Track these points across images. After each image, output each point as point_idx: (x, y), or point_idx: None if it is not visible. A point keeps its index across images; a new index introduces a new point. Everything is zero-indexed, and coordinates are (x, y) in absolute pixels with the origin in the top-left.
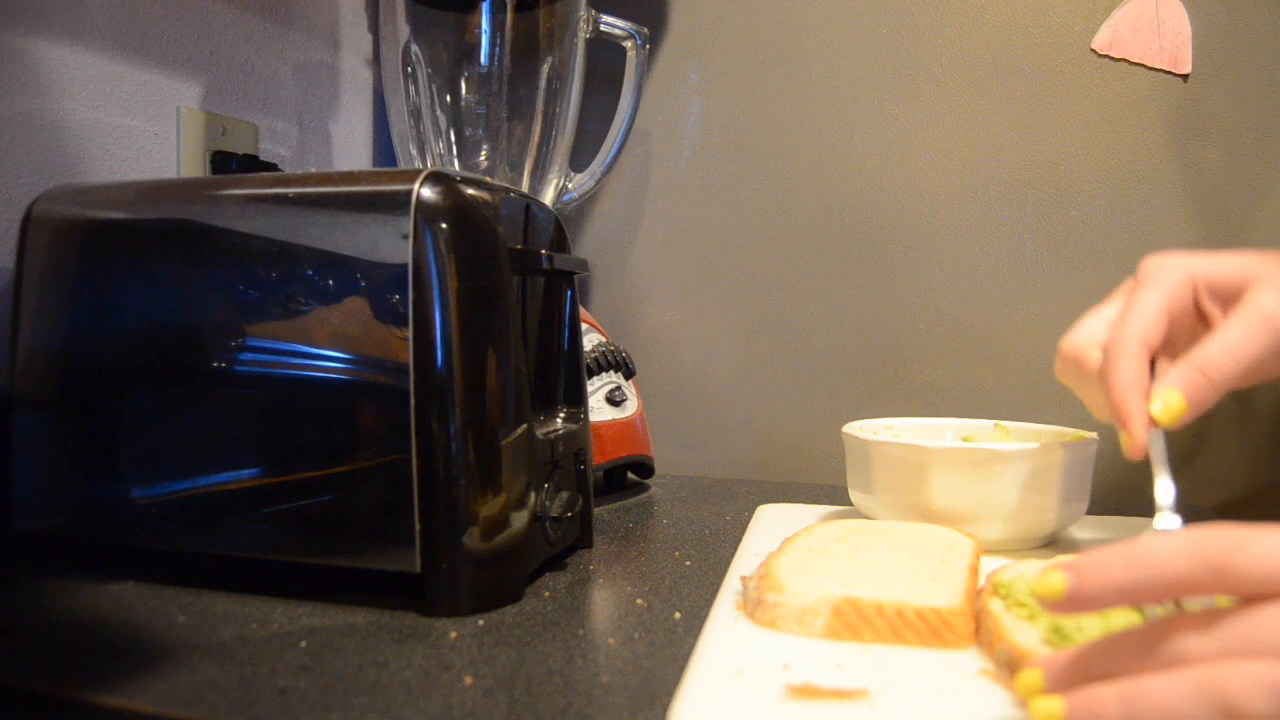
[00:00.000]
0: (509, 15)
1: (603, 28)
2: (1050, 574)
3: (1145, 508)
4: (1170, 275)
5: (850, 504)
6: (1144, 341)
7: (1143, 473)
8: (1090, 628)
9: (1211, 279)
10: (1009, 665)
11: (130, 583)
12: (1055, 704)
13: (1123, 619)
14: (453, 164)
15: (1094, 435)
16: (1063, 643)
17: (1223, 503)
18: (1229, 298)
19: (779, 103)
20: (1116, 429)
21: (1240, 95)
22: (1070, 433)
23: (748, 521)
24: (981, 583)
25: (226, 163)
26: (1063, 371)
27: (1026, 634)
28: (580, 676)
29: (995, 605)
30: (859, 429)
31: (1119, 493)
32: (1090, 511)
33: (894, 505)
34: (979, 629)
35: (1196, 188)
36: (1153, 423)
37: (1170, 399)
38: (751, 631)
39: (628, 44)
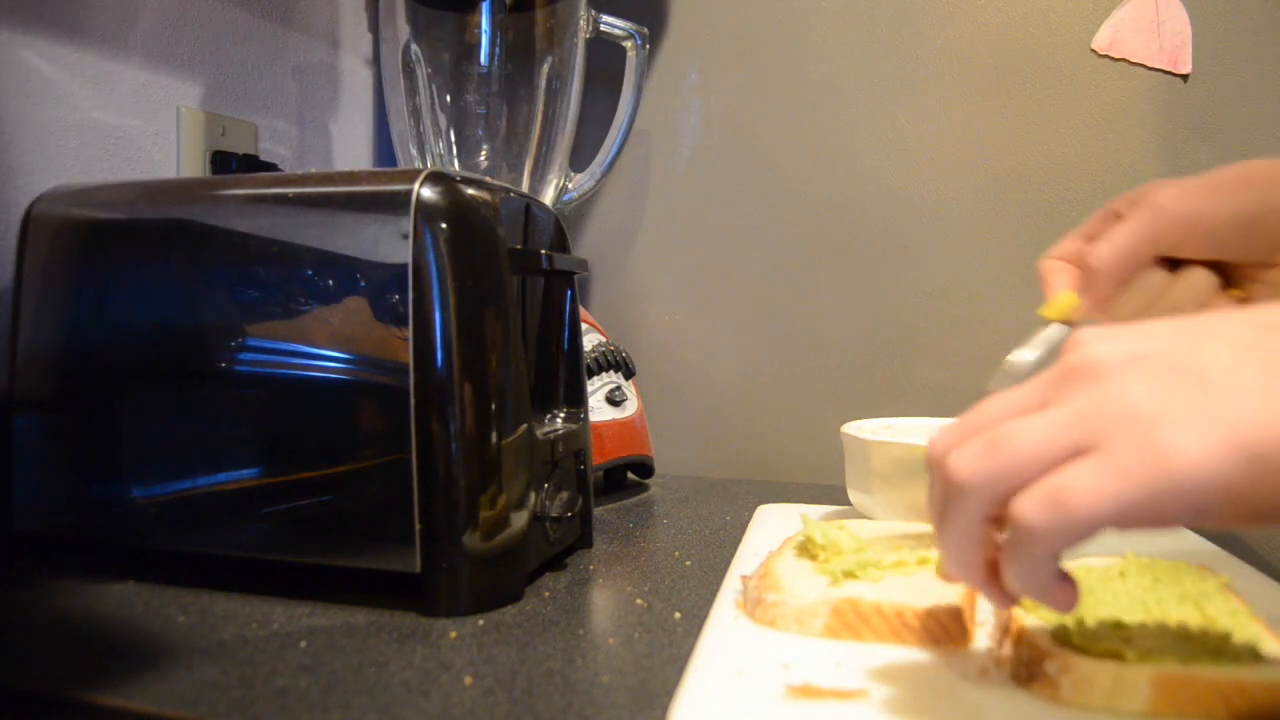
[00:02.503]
0: (509, 15)
1: (603, 28)
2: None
3: None
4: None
5: (850, 504)
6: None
7: None
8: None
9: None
10: (1028, 663)
11: (130, 583)
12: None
13: (1135, 611)
14: (453, 164)
15: None
16: (1078, 638)
17: None
18: None
19: (779, 102)
20: None
21: (1240, 95)
22: None
23: (748, 521)
24: None
25: (226, 163)
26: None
27: (1045, 637)
28: (580, 676)
29: (1017, 610)
30: (858, 429)
31: None
32: None
33: (893, 505)
34: (996, 629)
35: None
36: (1050, 320)
37: (1057, 299)
38: (751, 631)
39: (628, 44)
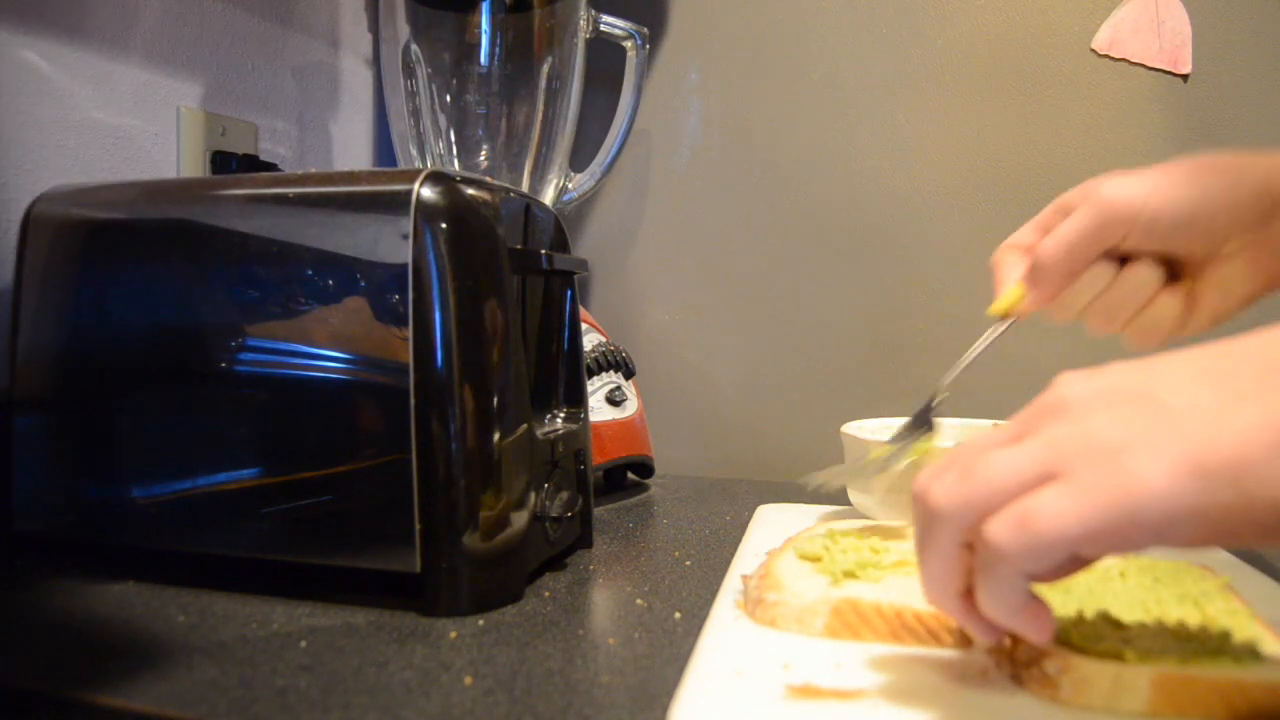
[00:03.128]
0: (509, 15)
1: (603, 28)
2: None
3: None
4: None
5: (850, 504)
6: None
7: None
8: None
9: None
10: (1028, 664)
11: (130, 583)
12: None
13: (1132, 612)
14: (453, 164)
15: None
16: (1077, 638)
17: None
18: None
19: (779, 103)
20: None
21: (1240, 95)
22: None
23: (748, 521)
24: None
25: (226, 163)
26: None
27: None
28: (580, 676)
29: None
30: (858, 429)
31: None
32: None
33: (893, 505)
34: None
35: None
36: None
37: (1005, 294)
38: (751, 631)
39: (628, 44)
